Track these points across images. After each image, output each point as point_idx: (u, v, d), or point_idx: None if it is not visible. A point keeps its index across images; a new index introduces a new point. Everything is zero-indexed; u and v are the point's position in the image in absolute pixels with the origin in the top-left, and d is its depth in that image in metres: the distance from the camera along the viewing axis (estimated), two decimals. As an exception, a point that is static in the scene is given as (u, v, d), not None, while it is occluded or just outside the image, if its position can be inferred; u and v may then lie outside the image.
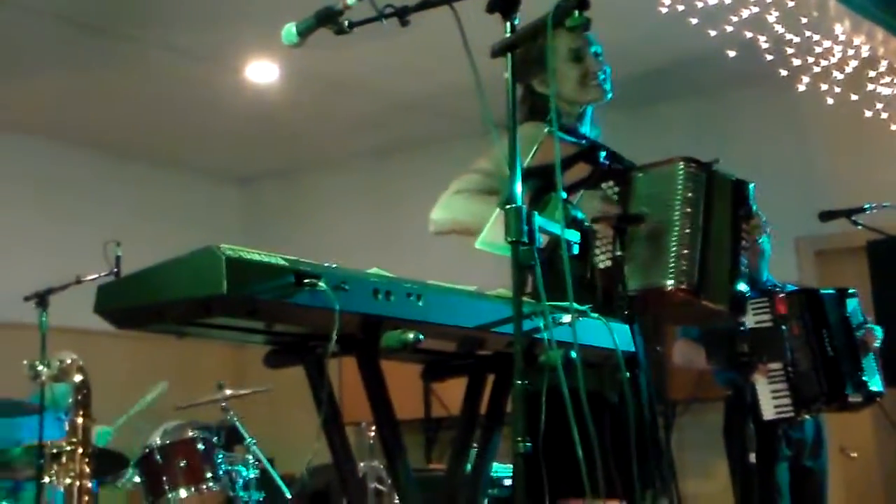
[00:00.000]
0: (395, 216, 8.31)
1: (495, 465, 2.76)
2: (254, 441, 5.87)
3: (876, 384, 4.99)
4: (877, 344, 5.04)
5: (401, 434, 2.41)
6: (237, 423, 6.02)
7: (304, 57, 6.08)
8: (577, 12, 2.12)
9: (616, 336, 2.59)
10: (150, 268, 2.03)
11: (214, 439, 5.64)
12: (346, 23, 2.51)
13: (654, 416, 2.88)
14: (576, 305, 2.37)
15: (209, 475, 5.35)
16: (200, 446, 5.43)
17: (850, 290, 5.13)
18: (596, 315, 2.60)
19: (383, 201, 8.82)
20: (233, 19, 6.41)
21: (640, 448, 2.71)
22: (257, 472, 5.77)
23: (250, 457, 5.80)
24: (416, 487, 2.42)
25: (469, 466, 2.66)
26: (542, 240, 2.26)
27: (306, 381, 2.34)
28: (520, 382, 2.10)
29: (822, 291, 5.11)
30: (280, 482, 5.90)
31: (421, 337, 2.13)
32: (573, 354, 2.24)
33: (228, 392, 6.08)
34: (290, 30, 2.56)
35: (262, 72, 7.17)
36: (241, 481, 5.64)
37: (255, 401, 6.67)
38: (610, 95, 3.20)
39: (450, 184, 3.12)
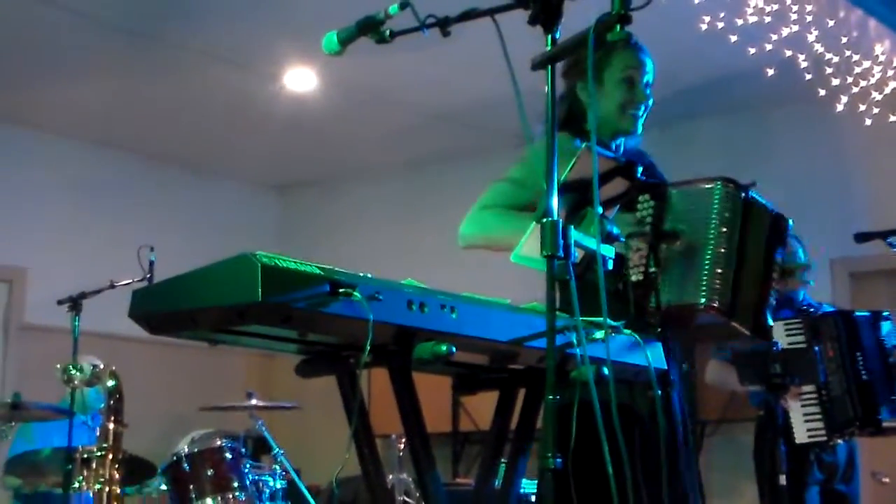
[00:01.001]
0: (430, 227, 8.29)
1: (524, 481, 2.74)
2: (282, 451, 5.87)
3: (911, 408, 4.93)
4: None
5: (431, 447, 2.39)
6: (265, 433, 6.02)
7: (342, 66, 6.13)
8: (618, 26, 2.10)
9: (649, 353, 2.57)
10: (185, 274, 2.02)
11: (242, 449, 5.63)
12: (388, 32, 2.50)
13: (686, 434, 2.86)
14: (609, 321, 2.35)
15: (236, 484, 5.34)
16: (228, 455, 5.42)
17: (885, 313, 5.09)
18: (629, 331, 2.58)
19: (418, 212, 8.83)
20: (272, 27, 6.44)
21: (669, 467, 2.68)
22: (284, 482, 5.75)
23: (277, 467, 5.79)
24: (445, 501, 2.41)
25: (498, 482, 2.64)
26: (577, 255, 2.24)
27: (334, 391, 2.33)
28: (551, 398, 2.08)
29: (857, 313, 5.05)
30: (307, 493, 5.89)
31: (454, 349, 2.11)
32: (605, 370, 2.22)
33: (256, 402, 6.07)
34: (331, 38, 2.55)
35: (300, 80, 7.20)
36: (267, 492, 5.62)
37: (282, 411, 6.67)
38: (640, 131, 3.16)
39: (479, 195, 3.10)
